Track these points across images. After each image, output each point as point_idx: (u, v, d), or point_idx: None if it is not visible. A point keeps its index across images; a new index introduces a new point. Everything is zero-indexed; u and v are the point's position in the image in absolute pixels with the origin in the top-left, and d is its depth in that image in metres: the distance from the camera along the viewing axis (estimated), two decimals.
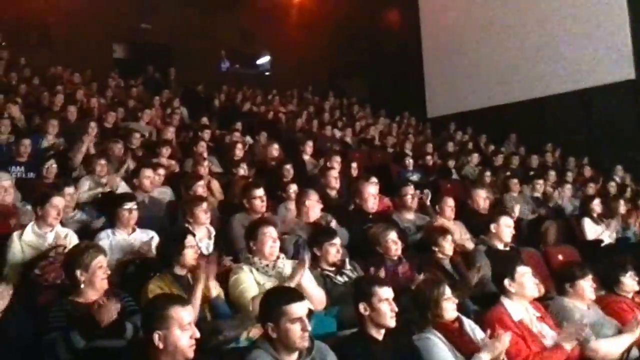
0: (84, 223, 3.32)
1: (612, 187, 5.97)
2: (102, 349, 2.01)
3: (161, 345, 1.66)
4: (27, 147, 4.33)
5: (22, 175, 4.17)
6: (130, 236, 2.95)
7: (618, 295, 2.79)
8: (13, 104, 5.75)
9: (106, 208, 3.31)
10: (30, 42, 9.59)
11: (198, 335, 1.71)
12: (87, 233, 3.08)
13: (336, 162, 4.83)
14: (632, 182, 6.77)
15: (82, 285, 2.18)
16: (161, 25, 10.40)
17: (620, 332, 2.54)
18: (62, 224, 3.01)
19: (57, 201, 2.86)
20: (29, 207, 3.19)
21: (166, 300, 1.79)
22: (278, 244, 2.56)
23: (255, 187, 3.35)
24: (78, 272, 2.18)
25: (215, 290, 2.36)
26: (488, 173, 5.80)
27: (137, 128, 5.73)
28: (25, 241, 2.75)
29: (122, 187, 3.94)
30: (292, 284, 2.32)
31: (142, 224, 3.06)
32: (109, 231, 2.95)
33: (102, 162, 4.03)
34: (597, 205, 4.55)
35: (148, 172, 3.76)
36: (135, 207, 3.01)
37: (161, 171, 4.13)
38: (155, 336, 1.66)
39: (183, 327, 1.68)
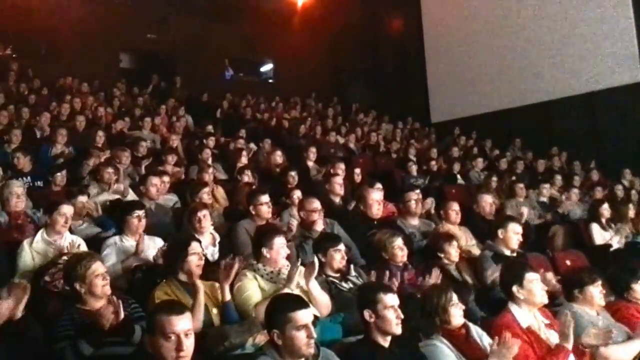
0: (93, 232, 3.35)
1: (620, 191, 5.92)
2: (110, 356, 2.02)
3: (150, 350, 1.69)
4: (25, 161, 4.33)
5: (30, 184, 4.22)
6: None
7: (628, 301, 2.76)
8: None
9: (115, 215, 3.34)
10: (39, 54, 9.74)
11: (187, 348, 1.67)
12: (96, 241, 3.10)
13: (340, 169, 4.83)
14: None
15: (84, 296, 2.20)
16: (166, 36, 10.53)
17: (630, 338, 2.51)
18: (72, 232, 3.05)
19: (66, 209, 2.91)
20: (39, 215, 3.24)
21: (156, 307, 1.81)
22: (287, 252, 2.58)
23: (260, 193, 3.37)
24: (77, 285, 2.20)
25: (228, 295, 2.37)
26: (494, 178, 5.78)
27: (142, 136, 5.79)
28: (36, 249, 2.79)
29: (130, 195, 3.98)
30: (292, 285, 2.32)
31: (148, 230, 3.08)
32: (116, 238, 2.98)
33: (110, 170, 4.07)
34: (605, 209, 4.51)
35: (155, 180, 3.80)
36: (144, 214, 3.04)
37: (167, 178, 4.17)
38: (146, 340, 1.71)
39: (165, 335, 1.66)
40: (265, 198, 3.32)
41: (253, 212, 3.30)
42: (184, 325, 1.70)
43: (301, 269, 2.43)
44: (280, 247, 2.51)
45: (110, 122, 6.31)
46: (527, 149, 8.25)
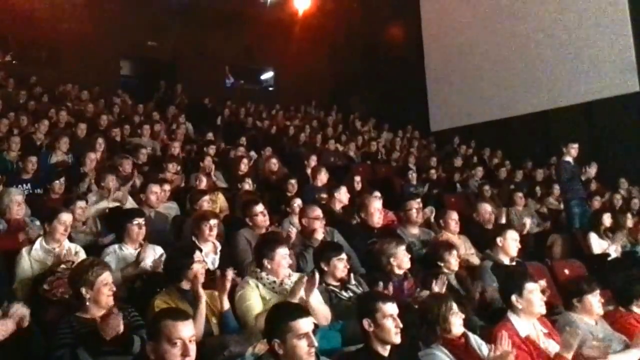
0: (92, 239, 3.35)
1: (618, 200, 5.95)
2: None
3: (152, 357, 1.68)
4: (34, 164, 4.39)
5: (29, 191, 4.22)
6: (137, 251, 2.95)
7: (627, 311, 2.76)
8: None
9: (114, 223, 3.34)
10: (39, 60, 9.78)
11: (192, 354, 1.69)
12: (95, 248, 3.10)
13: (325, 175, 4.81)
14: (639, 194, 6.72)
15: (87, 303, 2.20)
16: (167, 43, 10.60)
17: (628, 347, 2.51)
18: (71, 239, 3.05)
19: (65, 217, 2.90)
20: (37, 223, 3.24)
21: (161, 313, 1.81)
22: (289, 262, 2.58)
23: (254, 203, 3.37)
24: (83, 290, 2.20)
25: (227, 304, 2.37)
26: (487, 187, 5.81)
27: (142, 143, 5.81)
28: (34, 257, 2.78)
29: (130, 203, 3.98)
30: (295, 299, 2.33)
31: (148, 238, 3.06)
32: (115, 246, 2.97)
33: (110, 177, 4.07)
34: (606, 218, 4.53)
35: (155, 188, 3.80)
36: (144, 222, 3.04)
37: (167, 186, 4.17)
38: (148, 347, 1.69)
39: (171, 341, 1.66)
40: (259, 208, 3.32)
41: (250, 223, 3.30)
42: (189, 331, 1.72)
43: (304, 280, 2.42)
44: (281, 258, 2.50)
45: (110, 129, 6.32)
46: (526, 158, 8.29)
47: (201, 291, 2.32)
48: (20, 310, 1.98)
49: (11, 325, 1.94)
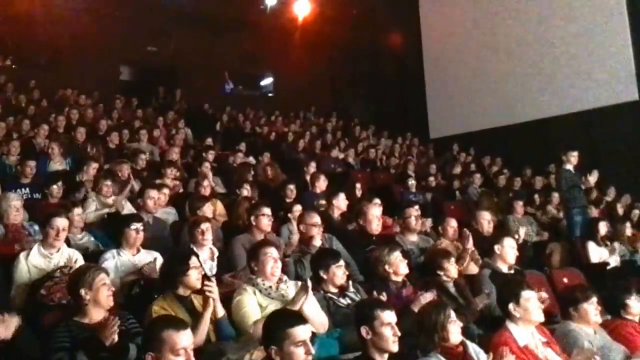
0: (92, 244, 3.34)
1: (619, 209, 5.95)
2: None
3: None
4: (32, 169, 4.39)
5: (28, 196, 4.22)
6: (135, 257, 2.96)
7: (624, 319, 2.76)
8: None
9: (112, 228, 3.33)
10: (39, 65, 9.80)
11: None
12: (93, 254, 3.09)
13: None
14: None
15: (88, 304, 2.20)
16: (167, 48, 10.63)
17: (628, 357, 2.50)
18: (70, 245, 3.04)
19: (59, 222, 2.89)
20: (36, 228, 3.23)
21: (161, 323, 1.81)
22: (280, 264, 2.56)
23: (263, 205, 3.38)
24: (83, 291, 2.21)
25: (221, 311, 2.36)
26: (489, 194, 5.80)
27: (141, 148, 5.81)
28: (32, 262, 2.78)
29: (128, 208, 3.97)
30: (295, 308, 2.32)
31: (146, 244, 3.06)
32: (114, 251, 2.97)
33: (108, 182, 4.07)
34: (603, 227, 4.53)
35: (153, 193, 3.79)
36: (142, 227, 3.03)
37: (165, 192, 4.16)
38: (148, 357, 1.69)
39: (175, 351, 1.68)
40: (267, 210, 3.33)
41: (254, 223, 3.28)
42: (189, 339, 1.75)
43: (299, 284, 2.41)
44: (264, 256, 2.49)
45: (109, 134, 6.31)
46: (525, 166, 8.31)
47: (212, 302, 2.29)
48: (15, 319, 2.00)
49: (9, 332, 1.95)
